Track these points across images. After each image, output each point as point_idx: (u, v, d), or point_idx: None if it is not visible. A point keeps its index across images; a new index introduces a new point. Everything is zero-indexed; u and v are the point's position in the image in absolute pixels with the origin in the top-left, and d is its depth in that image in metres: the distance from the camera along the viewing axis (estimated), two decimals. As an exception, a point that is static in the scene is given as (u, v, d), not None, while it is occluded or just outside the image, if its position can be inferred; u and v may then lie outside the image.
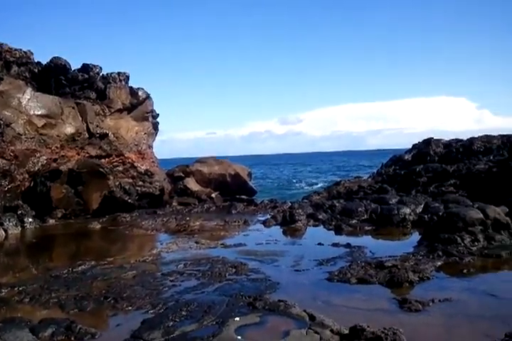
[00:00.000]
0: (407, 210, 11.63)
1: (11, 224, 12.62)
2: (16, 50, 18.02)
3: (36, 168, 15.57)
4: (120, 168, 17.89)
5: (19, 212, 13.51)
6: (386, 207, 11.95)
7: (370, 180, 20.04)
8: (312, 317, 5.13)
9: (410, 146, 22.23)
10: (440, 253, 8.03)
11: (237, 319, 5.22)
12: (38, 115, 16.43)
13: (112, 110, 18.97)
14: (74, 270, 7.88)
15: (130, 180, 17.51)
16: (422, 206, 12.20)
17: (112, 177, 16.05)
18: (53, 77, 18.03)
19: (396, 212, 11.52)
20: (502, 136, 19.58)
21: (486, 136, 20.11)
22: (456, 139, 20.70)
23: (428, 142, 21.06)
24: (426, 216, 11.00)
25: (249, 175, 23.11)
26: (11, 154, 15.20)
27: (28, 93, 16.44)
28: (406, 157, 21.28)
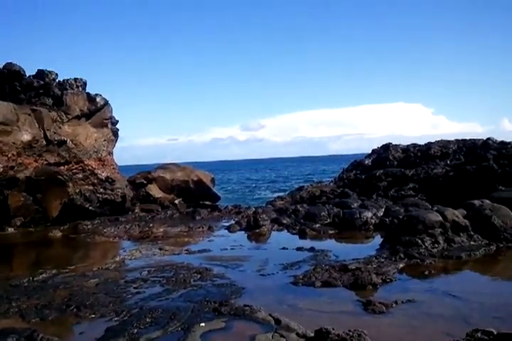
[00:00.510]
0: (369, 214, 11.84)
1: (-34, 233, 12.19)
2: (-34, 55, 17.56)
3: (-8, 176, 15.13)
4: (80, 175, 17.55)
5: (-25, 220, 13.09)
6: (348, 211, 12.14)
7: (332, 184, 20.29)
8: (278, 321, 5.15)
9: (370, 151, 22.65)
10: (402, 255, 8.20)
11: (203, 324, 5.20)
12: (-8, 122, 15.97)
13: (70, 117, 18.59)
14: (35, 279, 7.69)
15: (91, 187, 17.20)
16: (383, 209, 12.45)
17: (71, 185, 15.75)
18: (7, 84, 17.58)
19: (358, 215, 11.72)
20: (458, 141, 20.17)
21: (443, 140, 20.68)
22: (413, 144, 21.21)
23: (387, 147, 21.51)
24: (387, 219, 11.22)
25: (213, 181, 23.03)
26: (-34, 162, 14.75)
27: (-18, 100, 15.98)
28: (366, 162, 21.67)
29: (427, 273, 7.30)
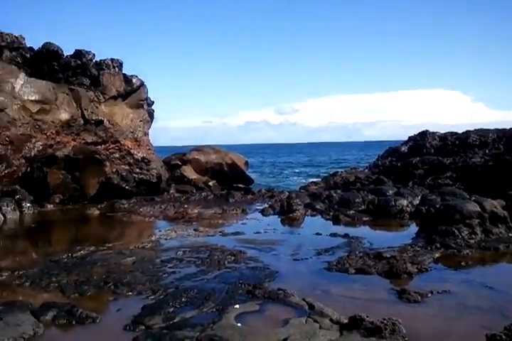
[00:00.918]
0: (405, 202, 11.69)
1: (9, 208, 12.59)
2: (7, 34, 17.83)
3: (32, 154, 15.54)
4: (116, 155, 17.86)
5: (17, 196, 13.48)
6: (383, 199, 12.01)
7: (366, 171, 20.11)
8: (311, 306, 5.17)
9: (406, 138, 22.29)
10: (438, 245, 8.09)
11: (237, 306, 5.26)
12: (32, 100, 16.32)
13: (106, 97, 18.86)
14: (73, 255, 7.91)
15: (127, 167, 17.48)
16: (419, 198, 12.27)
17: (108, 164, 16.02)
18: (46, 63, 17.86)
19: (393, 203, 11.58)
20: (497, 130, 19.67)
21: (482, 129, 20.21)
22: (451, 132, 20.80)
23: (424, 134, 21.14)
24: (423, 208, 11.05)
25: (246, 164, 23.12)
26: (7, 139, 15.14)
27: (22, 78, 16.31)
28: (402, 149, 21.36)
29: (463, 263, 7.19)
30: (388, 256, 7.25)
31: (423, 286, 5.97)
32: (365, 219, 11.39)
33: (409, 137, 21.94)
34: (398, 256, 7.26)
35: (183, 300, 5.47)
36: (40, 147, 15.85)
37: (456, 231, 8.56)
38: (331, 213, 12.01)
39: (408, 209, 11.53)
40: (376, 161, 21.39)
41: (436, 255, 7.63)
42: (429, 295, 5.66)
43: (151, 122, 21.46)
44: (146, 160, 18.35)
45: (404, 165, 17.97)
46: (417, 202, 12.01)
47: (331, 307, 5.08)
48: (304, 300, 5.34)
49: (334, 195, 13.73)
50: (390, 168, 18.86)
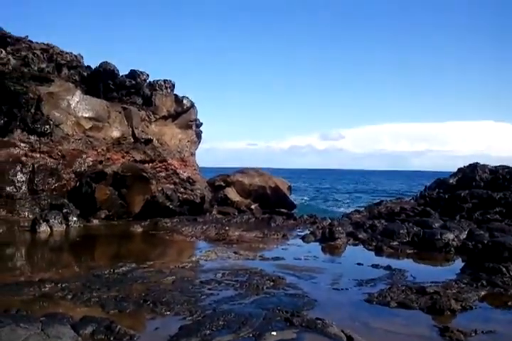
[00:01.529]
0: (451, 236, 11.34)
1: (56, 221, 12.94)
2: (67, 53, 18.68)
3: (82, 169, 16.03)
4: (163, 174, 18.21)
5: (64, 210, 13.87)
6: (429, 231, 11.70)
7: (412, 201, 19.68)
8: (350, 338, 5.06)
9: (455, 169, 21.78)
10: (484, 282, 7.78)
11: (274, 333, 5.19)
12: (86, 117, 16.94)
13: (157, 117, 19.39)
14: (115, 271, 8.02)
15: (172, 186, 17.76)
16: (466, 232, 11.90)
17: (154, 182, 16.32)
18: (102, 82, 18.55)
19: (439, 236, 11.25)
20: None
21: (536, 164, 19.52)
22: (503, 166, 20.18)
23: (474, 167, 20.60)
24: (470, 243, 10.67)
25: (289, 188, 23.09)
26: (59, 154, 15.71)
27: (78, 95, 16.97)
28: (451, 181, 20.86)
29: (510, 303, 6.88)
30: (432, 291, 7.02)
31: (467, 325, 5.73)
32: (408, 251, 11.11)
33: (459, 169, 21.43)
34: (442, 291, 7.02)
35: (220, 323, 5.44)
36: (91, 163, 16.34)
37: (503, 269, 8.21)
38: (374, 243, 11.78)
39: (454, 244, 11.16)
40: (423, 192, 20.93)
41: (482, 293, 7.33)
42: (473, 334, 5.43)
43: (199, 143, 21.87)
44: (191, 180, 18.61)
45: (452, 198, 17.51)
46: (464, 236, 11.65)
47: (370, 341, 4.96)
48: (342, 331, 5.23)
49: (378, 224, 13.49)
50: (437, 200, 18.41)
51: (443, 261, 10.37)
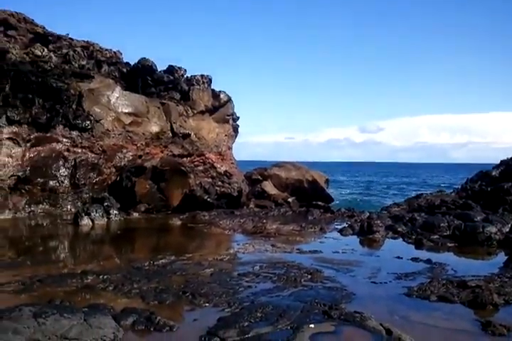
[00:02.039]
0: (493, 229, 11.05)
1: (97, 214, 13.25)
2: (106, 50, 19.02)
3: (122, 163, 16.34)
4: (201, 168, 18.38)
5: (105, 203, 14.18)
6: (471, 224, 11.43)
7: (453, 194, 19.26)
8: (389, 332, 5.00)
9: (497, 161, 21.17)
10: (528, 276, 7.57)
11: (312, 326, 5.18)
12: (125, 113, 17.23)
13: (195, 111, 19.58)
14: (155, 263, 8.17)
15: (210, 180, 17.92)
16: (510, 225, 11.58)
17: (192, 176, 16.50)
18: (140, 77, 18.83)
19: (481, 230, 10.98)
20: None
21: None
22: (548, 157, 19.50)
23: (518, 159, 19.97)
24: (514, 236, 10.42)
25: (327, 181, 22.96)
26: (100, 149, 16.05)
27: (117, 91, 17.28)
28: (493, 173, 20.27)
29: (555, 298, 6.67)
30: (473, 284, 6.87)
31: (510, 319, 5.58)
32: (449, 244, 10.89)
33: (502, 161, 20.80)
34: (484, 285, 6.86)
35: (258, 315, 5.46)
36: (130, 157, 16.64)
37: (550, 263, 7.98)
38: (414, 237, 11.59)
39: (497, 237, 10.88)
40: (464, 185, 20.44)
41: (526, 287, 7.14)
42: (517, 329, 5.29)
43: (235, 137, 21.97)
44: (228, 174, 18.73)
45: (494, 190, 17.04)
46: (507, 229, 11.33)
47: (410, 335, 4.89)
48: (381, 324, 5.17)
49: (418, 217, 13.27)
50: (479, 193, 17.95)
51: (485, 255, 10.12)
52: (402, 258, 9.27)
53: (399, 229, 12.30)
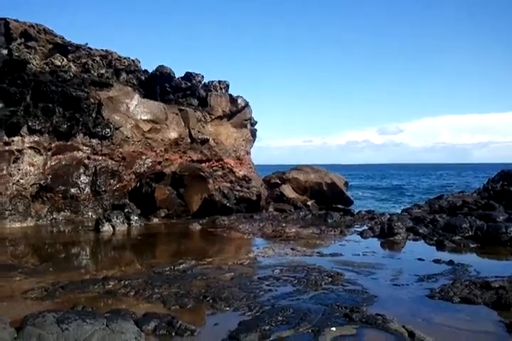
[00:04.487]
0: (517, 229, 10.89)
1: (118, 221, 13.38)
2: (124, 58, 19.21)
3: (142, 170, 16.49)
4: (219, 173, 18.46)
5: (126, 210, 14.32)
6: (493, 225, 11.28)
7: (475, 195, 19.04)
8: (411, 334, 4.96)
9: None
10: (553, 277, 7.42)
11: (333, 329, 5.16)
12: (144, 120, 17.39)
13: (213, 117, 19.67)
14: (175, 268, 8.22)
15: (228, 185, 17.98)
16: (533, 225, 11.38)
17: (211, 181, 16.57)
18: (158, 85, 18.98)
19: (504, 230, 10.84)
20: None
21: None
22: None
23: (542, 158, 19.67)
24: (537, 236, 10.24)
25: (346, 184, 22.84)
26: (120, 156, 16.21)
27: (136, 99, 17.45)
28: (516, 172, 20.00)
29: None
30: (497, 285, 6.77)
31: (535, 320, 5.50)
32: (472, 245, 10.76)
33: (524, 160, 20.53)
34: (507, 286, 6.75)
35: (279, 318, 5.46)
36: (150, 164, 16.78)
37: None
38: (435, 238, 11.47)
39: (520, 237, 10.72)
40: (486, 185, 20.20)
41: (551, 288, 7.01)
42: (543, 331, 5.20)
43: (254, 141, 21.99)
44: (246, 178, 18.76)
45: (517, 190, 16.82)
46: (531, 230, 11.15)
47: (433, 337, 4.86)
48: (403, 327, 5.13)
49: (439, 219, 13.14)
50: (501, 193, 17.72)
51: (508, 255, 9.98)
52: (423, 260, 9.19)
53: (420, 231, 12.19)
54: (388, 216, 15.42)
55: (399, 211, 18.59)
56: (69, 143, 15.47)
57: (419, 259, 9.24)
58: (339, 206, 18.24)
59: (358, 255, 9.71)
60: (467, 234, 11.55)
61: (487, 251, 10.25)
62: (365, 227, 13.42)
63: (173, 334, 5.12)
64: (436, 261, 8.96)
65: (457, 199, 17.87)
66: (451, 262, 8.78)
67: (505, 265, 9.18)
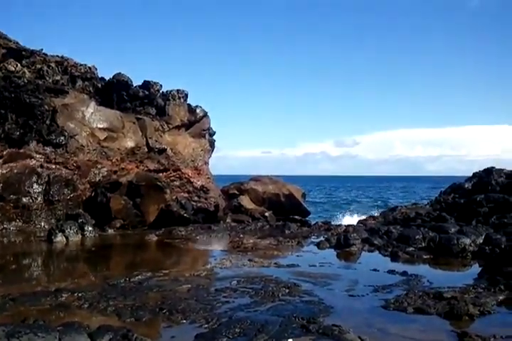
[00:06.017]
0: (467, 240, 11.22)
1: (71, 231, 13.04)
2: (81, 65, 18.91)
3: (97, 179, 16.18)
4: (177, 183, 18.31)
5: (80, 220, 13.98)
6: (445, 236, 11.60)
7: (428, 207, 19.52)
8: (367, 345, 5.01)
9: (470, 174, 21.56)
10: (502, 287, 7.67)
11: (291, 340, 5.17)
12: (100, 128, 17.13)
13: (171, 126, 19.54)
14: (131, 280, 8.06)
15: (186, 195, 17.86)
16: (483, 237, 11.73)
17: (168, 191, 16.41)
18: (115, 92, 18.75)
19: (455, 241, 11.15)
20: None
21: (553, 167, 19.24)
22: (519, 170, 19.90)
23: (489, 171, 20.34)
24: (487, 247, 10.56)
25: (303, 195, 23.03)
26: (74, 164, 15.88)
27: (92, 107, 17.19)
28: (466, 185, 20.62)
29: (530, 308, 6.79)
30: (449, 296, 6.95)
31: (485, 330, 5.66)
32: (425, 256, 11.01)
33: (474, 173, 21.19)
34: (459, 296, 6.94)
35: (236, 330, 5.43)
36: (105, 173, 16.48)
37: (522, 273, 8.11)
38: (389, 249, 11.69)
39: (471, 249, 11.05)
40: (438, 197, 20.74)
41: (500, 297, 7.23)
42: (492, 339, 5.36)
43: (212, 151, 21.96)
44: (204, 189, 18.69)
45: (467, 203, 17.32)
46: (481, 241, 11.49)
47: (388, 347, 4.92)
48: (359, 337, 5.19)
49: (393, 230, 13.39)
50: (452, 205, 18.23)
51: (460, 266, 10.28)
52: (378, 270, 9.34)
53: (375, 242, 12.39)
54: (344, 227, 15.62)
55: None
56: (21, 150, 15.06)
57: (374, 270, 9.39)
58: (296, 217, 18.37)
59: (315, 266, 9.78)
60: (420, 246, 11.81)
61: (439, 262, 10.52)
62: (322, 238, 13.53)
63: (129, 347, 5.00)
64: (391, 272, 9.13)
65: (410, 210, 18.27)
66: (405, 273, 8.95)
67: (456, 276, 9.43)
